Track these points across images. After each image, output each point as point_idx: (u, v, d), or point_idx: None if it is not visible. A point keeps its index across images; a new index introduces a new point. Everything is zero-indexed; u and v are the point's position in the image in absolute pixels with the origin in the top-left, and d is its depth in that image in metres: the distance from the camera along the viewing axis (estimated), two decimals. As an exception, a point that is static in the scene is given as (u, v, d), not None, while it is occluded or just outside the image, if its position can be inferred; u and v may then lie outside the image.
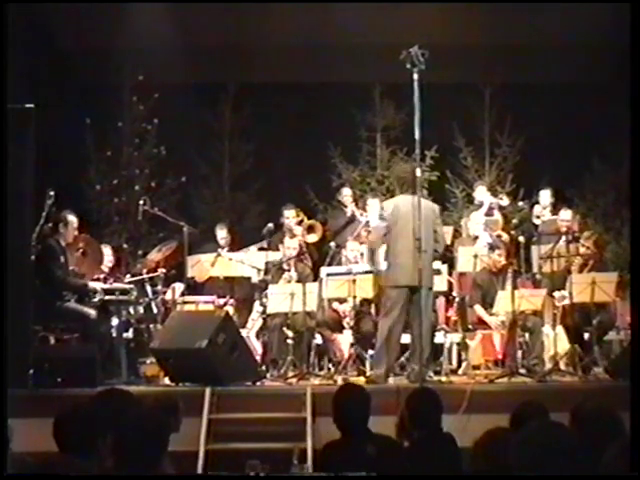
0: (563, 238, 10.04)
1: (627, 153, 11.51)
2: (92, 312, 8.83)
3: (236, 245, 11.03)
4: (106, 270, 9.89)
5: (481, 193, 11.63)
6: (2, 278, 7.63)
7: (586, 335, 9.42)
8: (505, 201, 11.59)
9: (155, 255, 10.34)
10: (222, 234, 11.00)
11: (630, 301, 8.09)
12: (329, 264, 10.28)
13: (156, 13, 11.61)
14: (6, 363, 6.97)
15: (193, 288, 10.46)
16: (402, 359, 9.15)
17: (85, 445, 4.02)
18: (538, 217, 11.36)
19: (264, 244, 10.39)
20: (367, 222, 10.63)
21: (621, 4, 9.24)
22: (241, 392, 8.18)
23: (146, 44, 11.59)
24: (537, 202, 11.58)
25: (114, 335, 9.08)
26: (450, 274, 10.21)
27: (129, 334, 9.47)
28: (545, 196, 11.39)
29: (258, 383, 8.53)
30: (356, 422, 4.91)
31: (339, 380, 8.65)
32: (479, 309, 9.57)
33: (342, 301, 9.76)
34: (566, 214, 10.70)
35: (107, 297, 9.08)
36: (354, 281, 9.18)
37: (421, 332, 8.21)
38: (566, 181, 12.30)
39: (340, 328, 9.74)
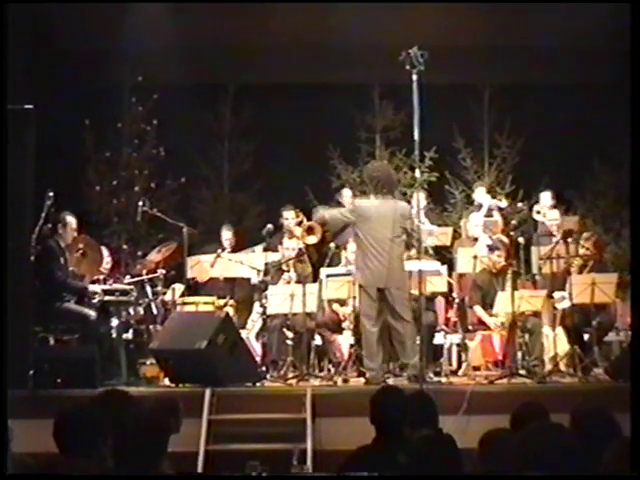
0: (554, 239, 10.08)
1: (627, 154, 11.58)
2: (92, 313, 8.83)
3: (240, 247, 11.00)
4: (104, 271, 9.88)
5: (480, 194, 11.63)
6: (2, 279, 7.63)
7: (586, 336, 9.42)
8: (504, 203, 11.58)
9: (155, 256, 10.33)
10: (227, 235, 10.97)
11: (630, 302, 8.09)
12: (329, 265, 10.28)
13: (155, 14, 11.59)
14: (6, 364, 6.96)
15: (193, 289, 10.46)
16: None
17: (85, 446, 4.01)
18: (538, 212, 11.30)
19: (268, 243, 10.41)
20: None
21: (621, 4, 9.24)
22: (241, 393, 8.17)
23: (145, 45, 11.58)
24: (537, 202, 11.57)
25: (114, 336, 9.08)
26: (450, 275, 10.20)
27: (129, 335, 9.47)
28: (545, 198, 11.38)
29: (258, 384, 8.53)
30: (392, 425, 4.88)
31: (339, 381, 8.66)
32: (479, 310, 9.56)
33: (342, 303, 9.75)
34: (553, 214, 10.70)
35: (107, 298, 9.08)
36: (354, 282, 9.18)
37: (422, 333, 8.22)
38: (565, 182, 12.29)
39: (340, 329, 9.74)
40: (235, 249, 10.85)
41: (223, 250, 10.63)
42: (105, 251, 10.13)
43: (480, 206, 11.44)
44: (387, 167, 9.47)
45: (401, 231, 8.54)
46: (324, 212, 9.32)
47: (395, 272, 8.42)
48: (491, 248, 9.85)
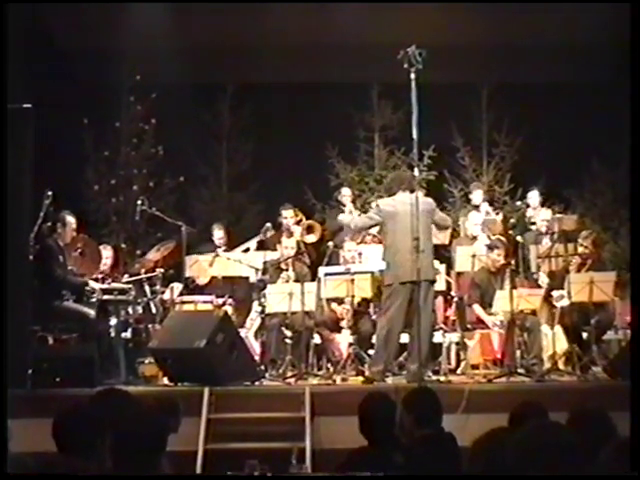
0: (547, 238, 10.09)
1: (625, 153, 11.60)
2: (91, 312, 8.82)
3: (232, 245, 11.00)
4: (106, 270, 9.87)
5: (477, 196, 11.61)
6: (3, 279, 7.63)
7: (584, 335, 9.42)
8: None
9: (153, 255, 10.34)
10: (219, 234, 10.99)
11: (630, 301, 8.10)
12: (327, 264, 10.29)
13: (154, 13, 11.61)
14: (6, 363, 6.97)
15: (192, 288, 10.46)
16: (401, 359, 9.15)
17: (84, 445, 4.01)
18: (532, 218, 11.30)
19: (262, 237, 10.42)
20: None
21: (621, 4, 9.25)
22: (240, 392, 8.17)
23: (144, 44, 11.59)
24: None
25: (112, 335, 9.08)
26: (448, 274, 10.20)
27: (128, 334, 9.46)
28: (533, 197, 11.35)
29: (257, 383, 8.53)
30: (382, 431, 4.85)
31: (338, 380, 8.66)
32: (478, 309, 9.57)
33: (340, 302, 9.75)
34: (546, 214, 10.70)
35: (105, 297, 9.08)
36: (352, 281, 9.19)
37: (419, 330, 8.22)
38: (564, 181, 12.31)
39: (338, 328, 9.74)
40: (228, 248, 10.85)
41: (215, 249, 10.63)
42: (108, 250, 10.12)
43: (477, 207, 11.43)
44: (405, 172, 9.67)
45: (426, 225, 8.52)
46: (350, 221, 9.54)
47: (427, 265, 8.40)
48: (490, 247, 9.85)
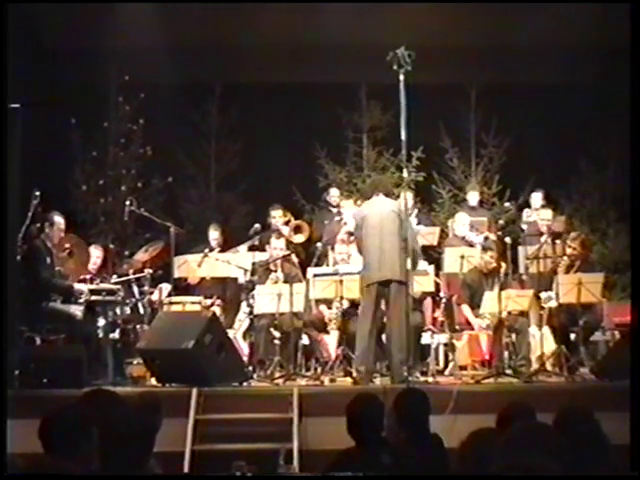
0: (544, 238, 10.10)
1: (613, 154, 11.66)
2: (78, 312, 8.80)
3: (227, 246, 10.99)
4: (93, 269, 9.85)
5: (473, 197, 11.64)
6: (3, 279, 7.62)
7: (572, 336, 9.44)
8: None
9: (142, 255, 10.33)
10: (215, 235, 10.97)
11: (631, 301, 8.10)
12: (316, 265, 10.28)
13: (143, 13, 11.59)
14: (5, 365, 6.95)
15: (182, 289, 10.45)
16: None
17: (71, 446, 3.99)
18: (529, 217, 11.35)
19: (254, 242, 10.41)
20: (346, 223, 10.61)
21: (613, 4, 9.27)
22: (228, 393, 8.16)
23: (132, 44, 11.57)
24: (527, 204, 11.59)
25: (100, 335, 9.05)
26: (437, 275, 10.21)
27: (116, 334, 9.44)
28: (537, 198, 11.41)
29: (245, 384, 8.52)
30: (370, 432, 4.85)
31: (326, 381, 8.66)
32: (466, 309, 9.58)
33: (329, 304, 9.74)
34: (546, 213, 10.74)
35: (93, 297, 9.05)
36: (341, 282, 9.19)
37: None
38: (552, 182, 12.32)
39: (327, 329, 9.74)
40: (223, 248, 10.84)
41: (211, 250, 10.61)
42: (97, 250, 10.08)
43: (472, 208, 11.46)
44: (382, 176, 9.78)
45: (392, 226, 8.55)
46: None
47: (394, 266, 8.42)
48: (484, 248, 9.86)
